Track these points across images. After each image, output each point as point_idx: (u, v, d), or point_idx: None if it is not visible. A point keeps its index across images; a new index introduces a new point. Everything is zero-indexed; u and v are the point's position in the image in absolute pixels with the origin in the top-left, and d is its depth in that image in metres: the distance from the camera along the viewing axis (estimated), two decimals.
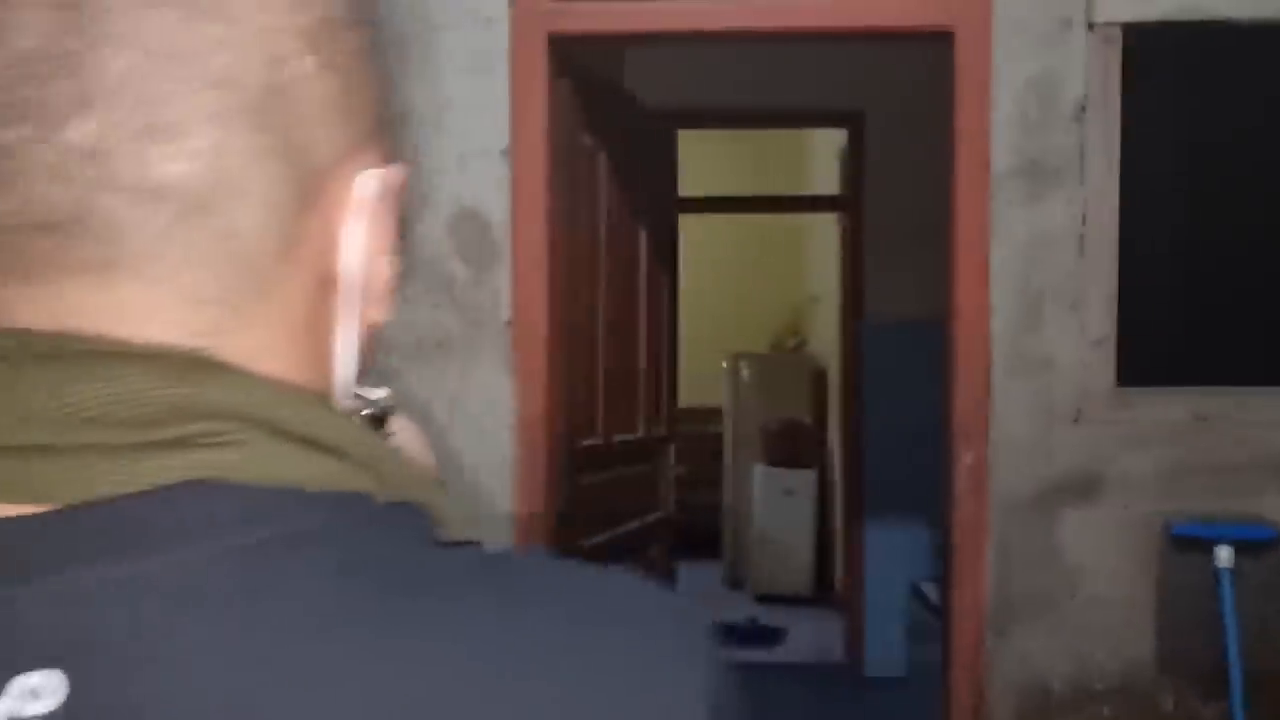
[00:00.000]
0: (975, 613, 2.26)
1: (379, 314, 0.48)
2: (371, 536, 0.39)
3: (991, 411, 2.26)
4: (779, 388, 6.06)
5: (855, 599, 4.50)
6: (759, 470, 5.78)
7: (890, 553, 4.28)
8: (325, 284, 0.43)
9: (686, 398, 7.29)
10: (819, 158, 5.90)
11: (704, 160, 6.46)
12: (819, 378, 6.04)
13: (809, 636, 5.11)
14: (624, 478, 2.83)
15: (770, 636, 5.08)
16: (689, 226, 6.78)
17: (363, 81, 0.44)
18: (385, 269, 0.47)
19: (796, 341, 6.75)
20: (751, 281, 7.02)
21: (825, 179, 5.52)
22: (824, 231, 5.84)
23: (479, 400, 2.32)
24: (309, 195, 0.41)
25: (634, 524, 2.87)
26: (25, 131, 0.37)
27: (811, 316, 6.59)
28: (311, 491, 0.39)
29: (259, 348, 0.41)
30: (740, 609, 5.45)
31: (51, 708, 0.33)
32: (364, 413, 0.64)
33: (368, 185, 0.44)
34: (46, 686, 0.34)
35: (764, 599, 5.67)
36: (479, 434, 2.32)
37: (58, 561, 0.35)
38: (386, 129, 0.46)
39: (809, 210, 6.01)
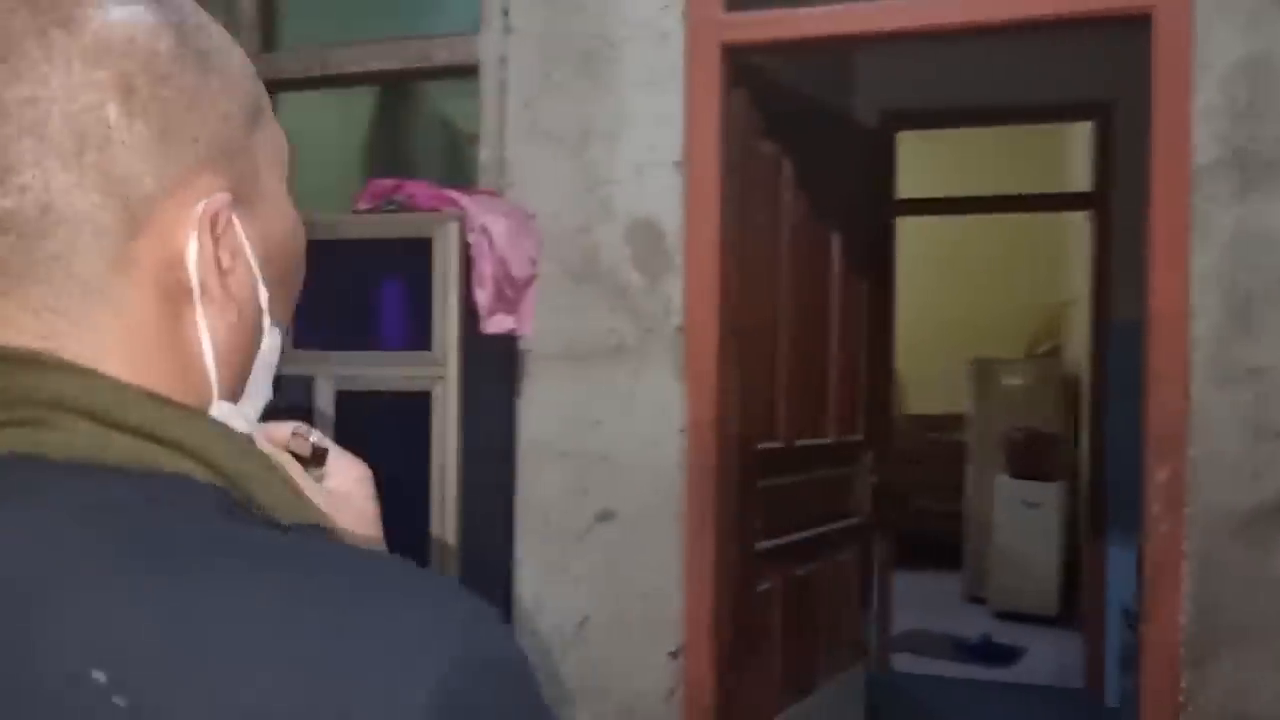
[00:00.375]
0: (1170, 644, 2.08)
1: (251, 315, 0.55)
2: (161, 509, 0.46)
3: (1191, 424, 2.07)
4: (1025, 394, 5.74)
5: (1096, 621, 4.20)
6: (1001, 481, 5.50)
7: (1133, 572, 3.96)
8: (174, 296, 0.51)
9: (929, 404, 7.12)
10: (1074, 153, 5.54)
11: (952, 159, 6.24)
12: (1071, 385, 5.66)
13: (1049, 658, 4.81)
14: (811, 482, 2.81)
15: (1005, 655, 4.83)
16: (932, 228, 6.60)
17: (185, 119, 0.50)
18: (247, 278, 0.55)
19: (1050, 346, 6.36)
20: (1006, 284, 6.69)
21: (1083, 175, 5.19)
22: (1082, 230, 5.48)
23: (651, 404, 2.39)
24: (138, 221, 0.49)
25: (822, 529, 2.85)
26: None
27: (1067, 320, 6.19)
28: (121, 468, 0.47)
29: (99, 350, 0.49)
30: (977, 625, 5.22)
31: None
32: (302, 451, 0.67)
33: (207, 207, 0.51)
34: None
35: (1003, 616, 5.39)
36: (651, 437, 2.39)
37: None
38: (234, 153, 0.53)
39: (1053, 209, 5.65)
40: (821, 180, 2.87)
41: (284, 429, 0.67)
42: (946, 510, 6.44)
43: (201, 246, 0.51)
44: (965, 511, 5.97)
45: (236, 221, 0.53)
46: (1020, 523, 5.40)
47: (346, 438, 2.12)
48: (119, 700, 0.40)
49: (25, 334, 0.49)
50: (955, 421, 6.52)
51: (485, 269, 2.23)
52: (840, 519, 2.97)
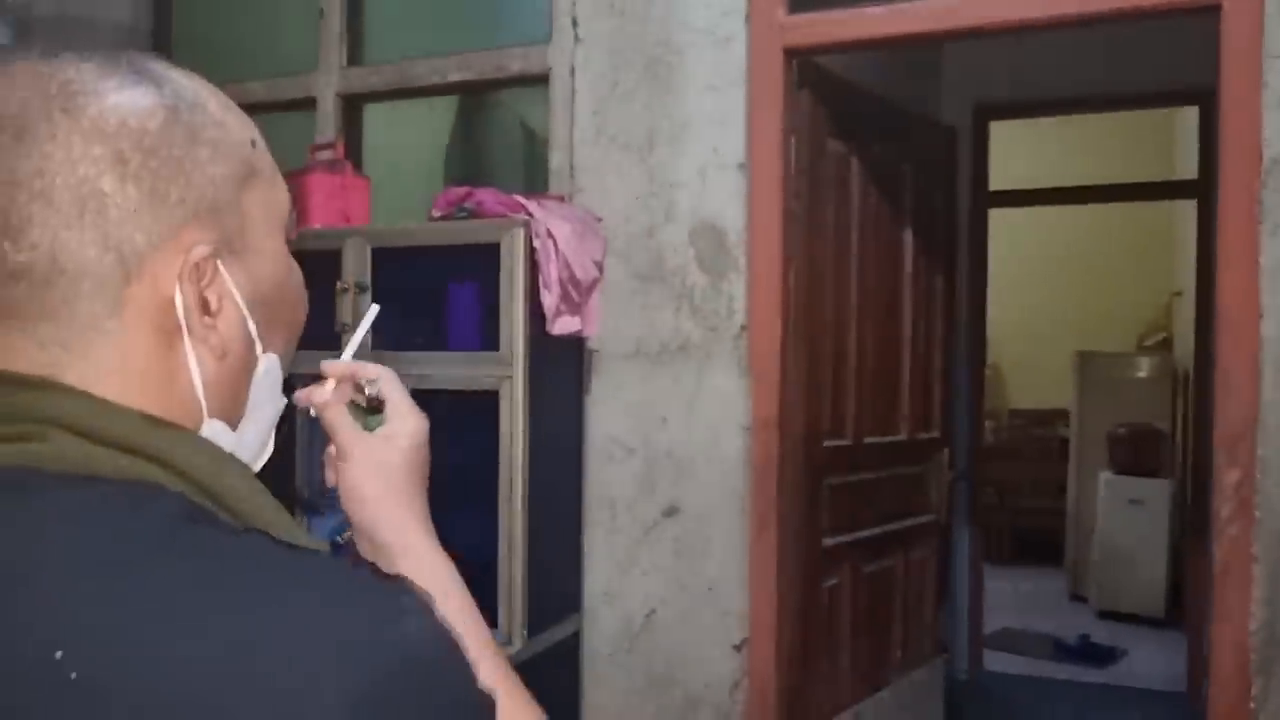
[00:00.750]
0: (1237, 651, 2.04)
1: (241, 349, 0.64)
2: (131, 513, 0.54)
3: (1261, 426, 2.02)
4: (1132, 388, 5.57)
5: (1198, 623, 4.07)
6: (1104, 478, 5.35)
7: None
8: (166, 332, 0.60)
9: (1032, 398, 6.94)
10: (1184, 139, 5.33)
11: (1058, 148, 6.08)
12: (1182, 378, 5.46)
13: (1151, 660, 4.68)
14: (882, 480, 2.82)
15: (1103, 656, 4.72)
16: (1039, 219, 6.43)
17: (172, 185, 0.59)
18: (236, 317, 0.63)
19: (1160, 338, 6.14)
20: (1116, 275, 6.49)
21: (1192, 162, 5.00)
22: (1192, 219, 5.28)
23: (715, 402, 2.45)
24: (130, 270, 0.58)
25: (894, 526, 2.86)
26: None
27: (1178, 311, 5.97)
28: (103, 478, 0.56)
29: (95, 378, 0.58)
30: (1078, 624, 5.11)
31: None
32: (360, 401, 0.83)
33: (188, 259, 0.59)
34: None
35: (1106, 615, 5.26)
36: (715, 434, 2.45)
37: None
38: (220, 211, 0.62)
39: (1156, 197, 5.45)
40: (895, 177, 2.87)
41: (324, 387, 0.81)
42: (1050, 507, 6.31)
43: (185, 292, 0.60)
44: (1068, 508, 5.83)
45: (223, 269, 0.62)
46: (1125, 520, 5.25)
47: None
48: (72, 674, 0.48)
49: (32, 363, 0.58)
50: (1060, 417, 6.36)
51: (551, 272, 2.31)
52: (914, 516, 2.96)
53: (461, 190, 2.41)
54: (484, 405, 2.30)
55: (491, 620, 2.28)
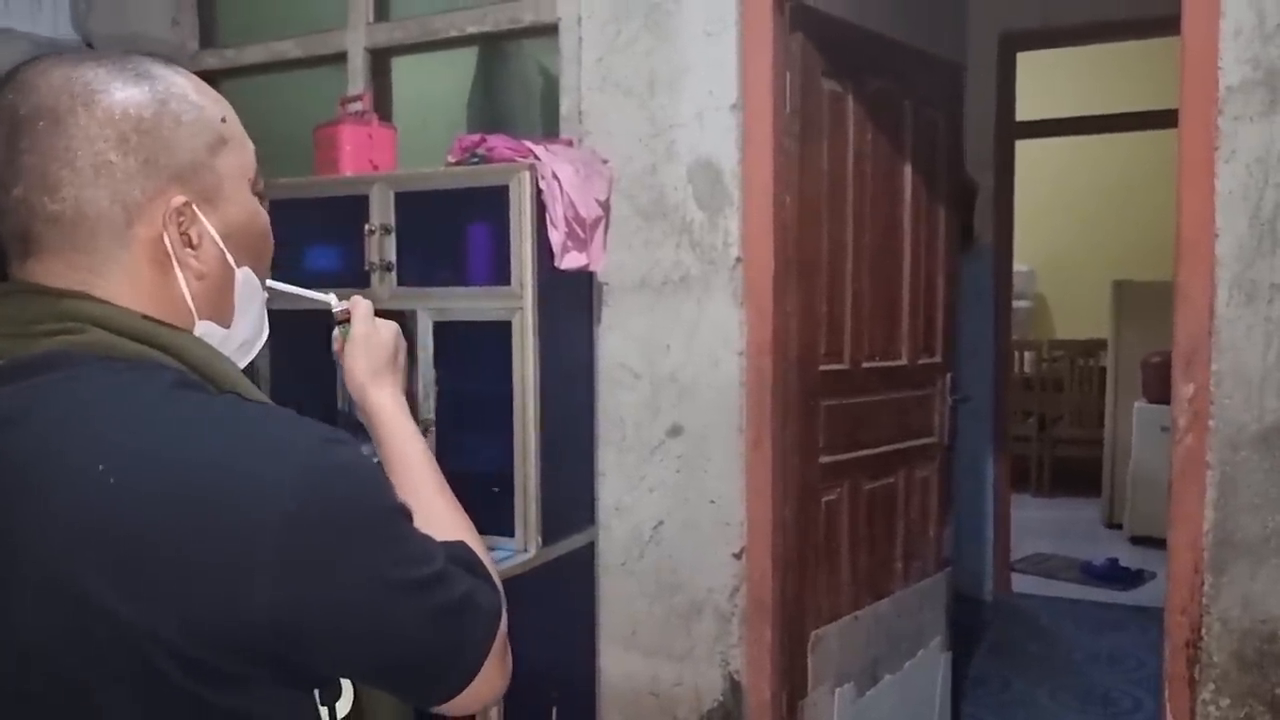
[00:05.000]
0: (1192, 551, 2.18)
1: (219, 270, 0.89)
2: (139, 377, 0.80)
3: (1216, 342, 2.14)
4: (1168, 318, 5.56)
5: None
6: (1138, 406, 5.41)
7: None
8: (162, 261, 0.85)
9: (1075, 329, 6.96)
10: None
11: (1088, 77, 6.04)
12: None
13: None
14: (883, 403, 2.98)
15: (1128, 578, 4.84)
16: (1073, 150, 6.40)
17: (159, 154, 0.83)
18: (214, 249, 0.88)
19: None
20: (1155, 204, 6.43)
21: None
22: None
23: (713, 329, 2.63)
24: (132, 217, 0.83)
25: (894, 446, 3.02)
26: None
27: None
28: (123, 356, 0.81)
29: (114, 293, 0.84)
30: (1110, 550, 5.22)
31: None
32: (334, 311, 1.18)
33: (168, 207, 0.84)
34: None
35: (1139, 541, 5.36)
36: (713, 359, 2.63)
37: (7, 379, 0.80)
38: (197, 171, 0.86)
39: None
40: (895, 113, 2.98)
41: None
42: (1090, 437, 6.37)
43: (169, 230, 0.84)
44: (1105, 437, 5.90)
45: (200, 214, 0.86)
46: (1157, 448, 5.30)
47: (444, 362, 2.53)
48: (110, 480, 0.73)
49: (68, 282, 0.83)
50: (1101, 347, 6.39)
51: (557, 211, 2.50)
52: (917, 438, 3.12)
53: (475, 137, 2.61)
54: (498, 335, 2.52)
55: (509, 530, 2.52)
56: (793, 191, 2.62)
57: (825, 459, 2.79)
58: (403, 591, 0.80)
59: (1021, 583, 4.91)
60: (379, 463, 1.06)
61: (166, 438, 0.75)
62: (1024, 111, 4.76)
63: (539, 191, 2.48)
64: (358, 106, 2.84)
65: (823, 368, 2.76)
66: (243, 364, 0.95)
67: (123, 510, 0.72)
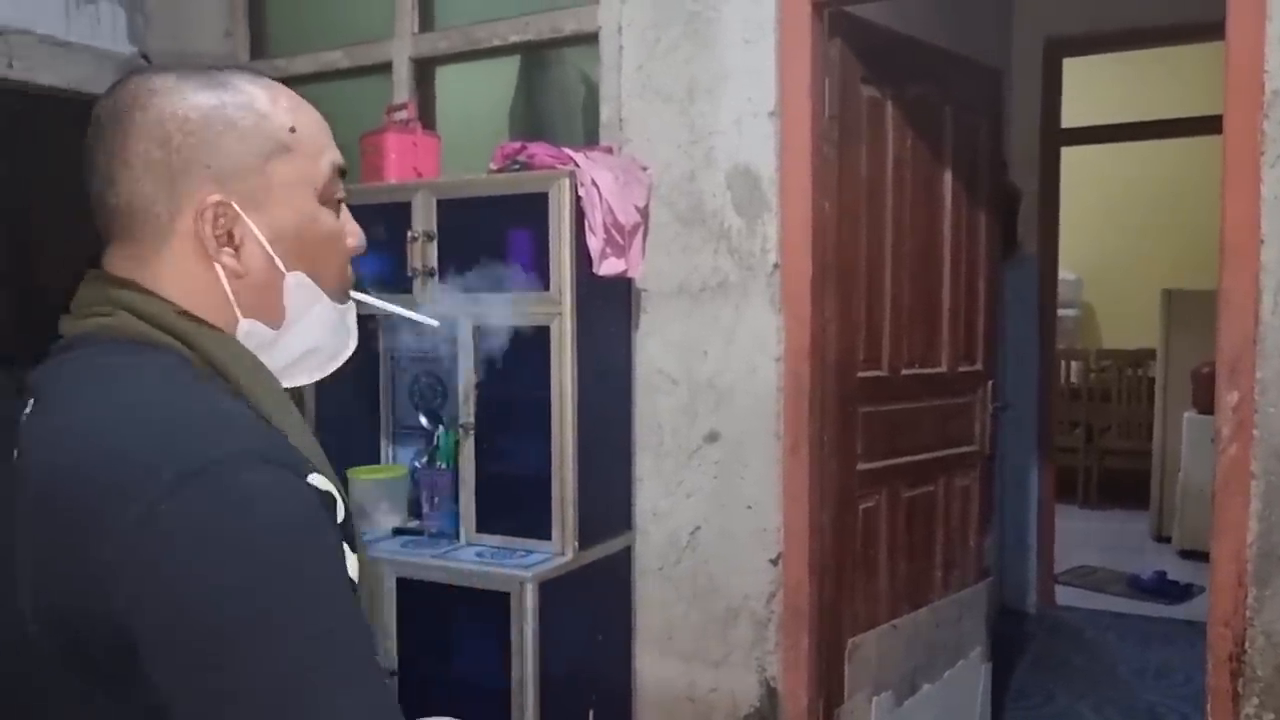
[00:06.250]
0: (1236, 563, 2.14)
1: (264, 271, 0.90)
2: (133, 360, 0.85)
3: (1261, 349, 2.11)
4: None
5: None
6: (1188, 417, 5.32)
7: None
8: (204, 256, 0.88)
9: (1123, 338, 6.85)
10: None
11: (1137, 83, 5.96)
12: None
13: None
14: (923, 410, 2.97)
15: (1176, 593, 4.75)
16: (1120, 157, 6.31)
17: (201, 155, 0.86)
18: (258, 250, 0.90)
19: None
20: (1205, 212, 6.33)
21: None
22: None
23: (751, 335, 2.64)
24: (175, 212, 0.87)
25: (934, 454, 3.00)
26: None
27: None
28: (142, 341, 0.86)
29: (158, 282, 0.88)
30: (1159, 564, 5.13)
31: (25, 413, 0.85)
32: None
33: (206, 204, 0.87)
34: (28, 404, 0.85)
35: (1188, 554, 5.25)
36: (751, 365, 2.64)
37: (53, 355, 0.88)
38: (243, 175, 0.88)
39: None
40: (935, 119, 2.97)
41: None
42: (1139, 449, 6.27)
43: (203, 227, 0.87)
44: (1154, 448, 5.80)
45: (243, 213, 0.88)
46: (1207, 460, 5.19)
47: (483, 366, 2.56)
48: (34, 456, 0.80)
49: (122, 269, 0.89)
50: (1150, 356, 6.30)
51: (595, 218, 2.53)
52: (958, 446, 3.10)
53: (516, 145, 2.64)
54: (538, 340, 2.54)
55: (546, 534, 2.54)
56: (831, 197, 2.62)
57: (863, 466, 2.78)
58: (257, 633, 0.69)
59: (1066, 595, 4.84)
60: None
61: (92, 415, 0.78)
62: (1070, 118, 4.71)
63: (578, 198, 2.51)
64: (402, 115, 2.89)
65: (861, 374, 2.76)
66: (317, 376, 0.97)
67: (31, 487, 0.77)
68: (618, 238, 2.60)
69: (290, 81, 3.51)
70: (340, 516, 0.81)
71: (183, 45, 3.34)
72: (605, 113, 2.81)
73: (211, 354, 0.86)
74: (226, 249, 0.88)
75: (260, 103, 0.89)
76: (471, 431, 2.61)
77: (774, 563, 2.65)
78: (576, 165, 2.53)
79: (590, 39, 2.87)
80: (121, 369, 0.83)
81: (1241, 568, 2.14)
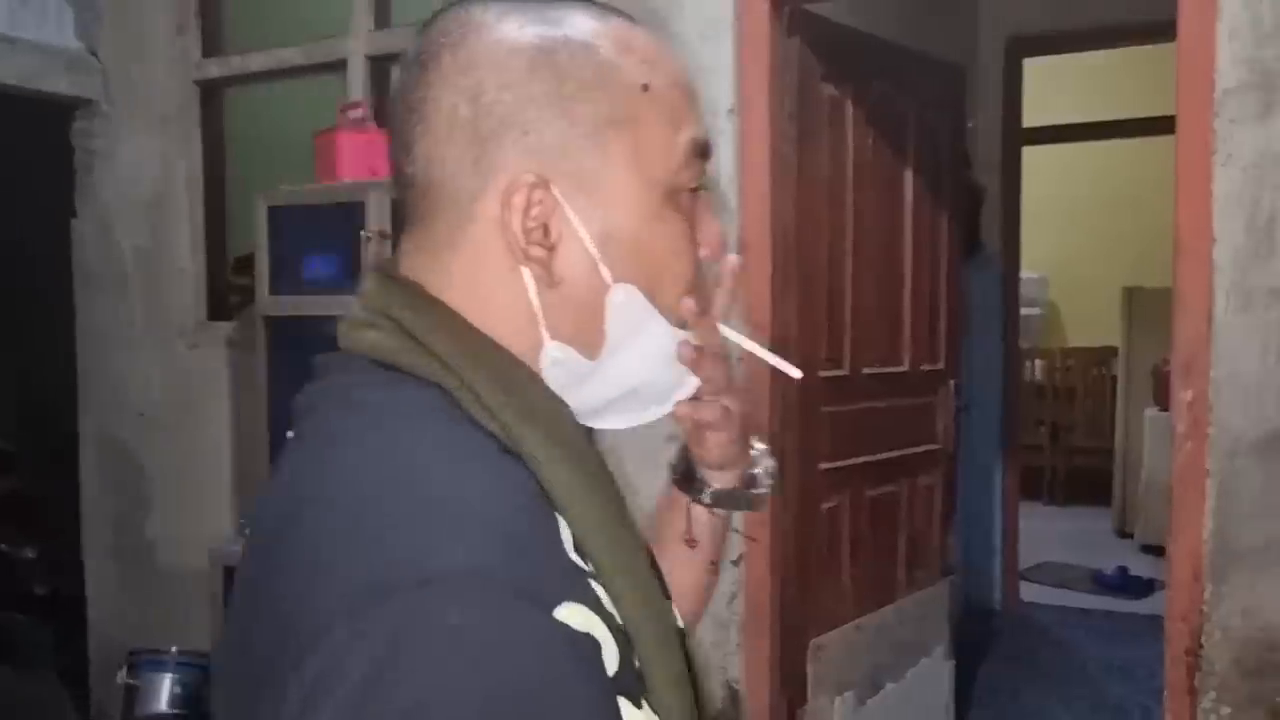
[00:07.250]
0: (1192, 558, 2.15)
1: (584, 283, 0.65)
2: (403, 403, 0.63)
3: (1215, 348, 2.11)
4: None
5: None
6: (1149, 414, 5.37)
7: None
8: (509, 255, 0.64)
9: (1087, 336, 6.91)
10: None
11: (1099, 82, 6.00)
12: None
13: None
14: (885, 409, 2.96)
15: (1139, 588, 4.79)
16: (1084, 156, 6.36)
17: (519, 117, 0.63)
18: (579, 253, 0.65)
19: None
20: (1165, 210, 6.41)
21: None
22: None
23: None
24: (478, 190, 0.64)
25: (897, 453, 3.00)
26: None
27: None
28: (407, 369, 0.64)
29: (445, 284, 0.66)
30: (1121, 559, 5.17)
31: (289, 435, 0.66)
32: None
33: (509, 184, 0.63)
34: (290, 434, 0.66)
35: (1150, 550, 5.30)
36: None
37: (316, 373, 0.69)
38: (570, 149, 0.64)
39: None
40: (897, 118, 2.97)
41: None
42: (1102, 446, 6.33)
43: (511, 215, 0.63)
44: (1117, 446, 5.86)
45: (563, 201, 0.64)
46: (1169, 456, 5.25)
47: None
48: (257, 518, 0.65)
49: (412, 265, 0.68)
50: (1113, 354, 6.35)
51: None
52: (920, 445, 3.10)
53: None
54: None
55: None
56: (790, 197, 2.61)
57: (825, 465, 2.78)
58: None
59: (1031, 592, 4.87)
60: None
61: (299, 488, 0.61)
62: (1032, 118, 4.74)
63: None
64: (357, 114, 2.85)
65: (822, 374, 2.75)
66: (634, 424, 0.75)
67: (249, 563, 0.63)
68: None
69: (245, 79, 3.45)
70: (614, 664, 0.56)
71: (133, 40, 3.28)
72: None
73: (487, 400, 0.62)
74: (538, 247, 0.64)
75: (606, 49, 0.65)
76: None
77: (735, 564, 2.64)
78: None
79: None
80: (371, 410, 0.63)
81: (1198, 564, 2.15)
